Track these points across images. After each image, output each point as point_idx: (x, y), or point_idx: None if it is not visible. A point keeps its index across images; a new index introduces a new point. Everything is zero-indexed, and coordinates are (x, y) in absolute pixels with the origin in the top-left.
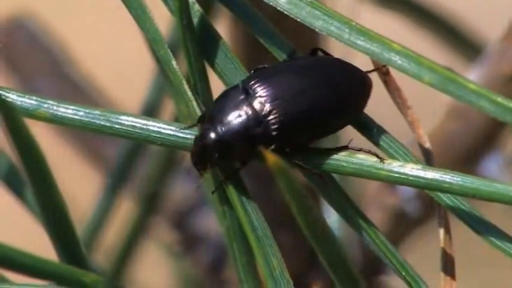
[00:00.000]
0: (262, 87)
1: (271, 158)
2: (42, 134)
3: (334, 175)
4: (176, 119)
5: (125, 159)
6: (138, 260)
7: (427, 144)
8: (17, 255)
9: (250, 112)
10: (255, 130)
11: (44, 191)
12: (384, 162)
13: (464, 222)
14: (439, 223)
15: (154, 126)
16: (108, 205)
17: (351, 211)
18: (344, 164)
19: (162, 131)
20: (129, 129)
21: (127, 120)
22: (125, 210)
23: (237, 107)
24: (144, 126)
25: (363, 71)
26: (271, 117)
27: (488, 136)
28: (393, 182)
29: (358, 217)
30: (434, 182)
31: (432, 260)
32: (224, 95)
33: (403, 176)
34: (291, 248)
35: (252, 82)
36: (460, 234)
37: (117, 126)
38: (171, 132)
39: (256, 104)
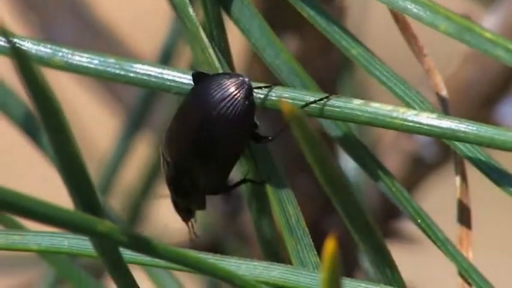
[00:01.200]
0: (168, 151)
1: (286, 106)
2: (60, 76)
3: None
4: (192, 67)
5: (142, 102)
6: (155, 204)
7: (444, 92)
8: (32, 204)
9: (173, 182)
10: (187, 192)
11: (59, 140)
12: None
13: (481, 171)
14: (455, 171)
15: (169, 74)
16: (125, 148)
17: (367, 158)
18: (359, 113)
19: (177, 79)
20: (144, 77)
21: (142, 69)
22: (142, 153)
23: (168, 179)
24: (159, 75)
25: (237, 76)
26: (189, 175)
27: (504, 82)
28: (408, 131)
29: (374, 164)
30: (449, 131)
31: (449, 207)
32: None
33: (417, 125)
34: (307, 193)
35: (162, 148)
36: (477, 182)
37: (131, 75)
38: (186, 81)
39: (172, 170)
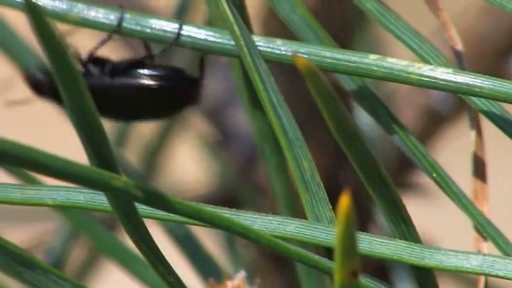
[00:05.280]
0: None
1: (301, 61)
2: (76, 32)
3: None
4: (208, 23)
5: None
6: (171, 153)
7: (459, 46)
8: (48, 159)
9: None
10: None
11: (74, 95)
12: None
13: (496, 125)
14: (470, 125)
15: (184, 30)
16: None
17: (382, 112)
18: (374, 68)
19: (193, 34)
20: (160, 33)
21: (157, 24)
22: None
23: None
24: (175, 30)
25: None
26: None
27: None
28: (424, 86)
29: (389, 118)
30: (464, 86)
31: (464, 161)
32: None
33: (433, 80)
34: (321, 147)
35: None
36: (492, 136)
37: (147, 31)
38: (202, 37)
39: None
